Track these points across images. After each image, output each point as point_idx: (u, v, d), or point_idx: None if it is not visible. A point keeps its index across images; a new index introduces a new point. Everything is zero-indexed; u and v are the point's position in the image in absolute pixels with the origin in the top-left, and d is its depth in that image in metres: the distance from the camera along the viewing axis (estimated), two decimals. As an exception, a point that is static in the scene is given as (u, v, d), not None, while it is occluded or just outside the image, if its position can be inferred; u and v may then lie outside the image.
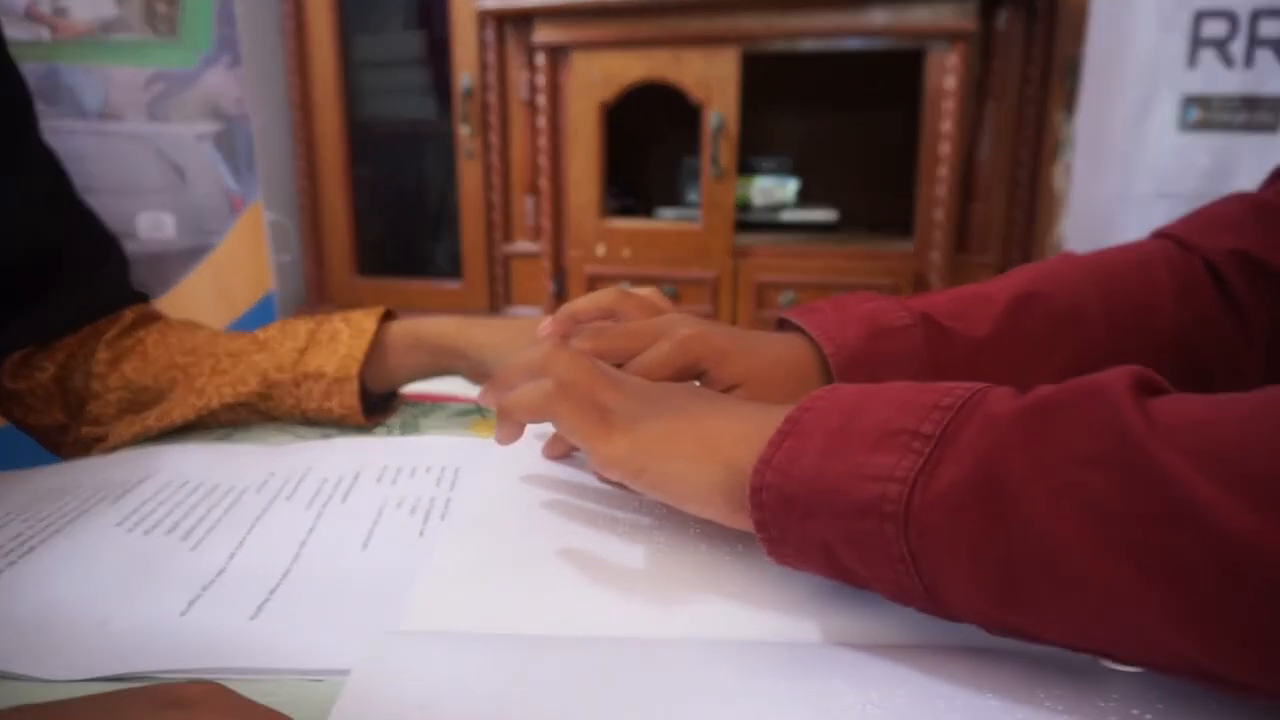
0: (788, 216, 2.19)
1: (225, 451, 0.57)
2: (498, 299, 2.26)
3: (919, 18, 1.82)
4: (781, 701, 0.27)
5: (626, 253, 2.07)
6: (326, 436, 0.60)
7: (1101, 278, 0.53)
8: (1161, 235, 0.56)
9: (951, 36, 1.82)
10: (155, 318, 0.65)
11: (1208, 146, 1.23)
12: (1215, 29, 1.21)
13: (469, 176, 2.19)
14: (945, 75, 1.85)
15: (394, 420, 0.63)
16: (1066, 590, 0.26)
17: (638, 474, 0.37)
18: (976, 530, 0.27)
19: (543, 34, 2.00)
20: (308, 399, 0.60)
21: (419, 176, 2.34)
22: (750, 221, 2.13)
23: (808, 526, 0.31)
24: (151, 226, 1.00)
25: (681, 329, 0.48)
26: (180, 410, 0.59)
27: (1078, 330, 0.51)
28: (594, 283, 2.09)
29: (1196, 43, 1.21)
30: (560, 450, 0.51)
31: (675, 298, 2.06)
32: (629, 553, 0.39)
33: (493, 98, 2.13)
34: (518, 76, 2.10)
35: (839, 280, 2.00)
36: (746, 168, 2.14)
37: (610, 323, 0.52)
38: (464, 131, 2.15)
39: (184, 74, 1.10)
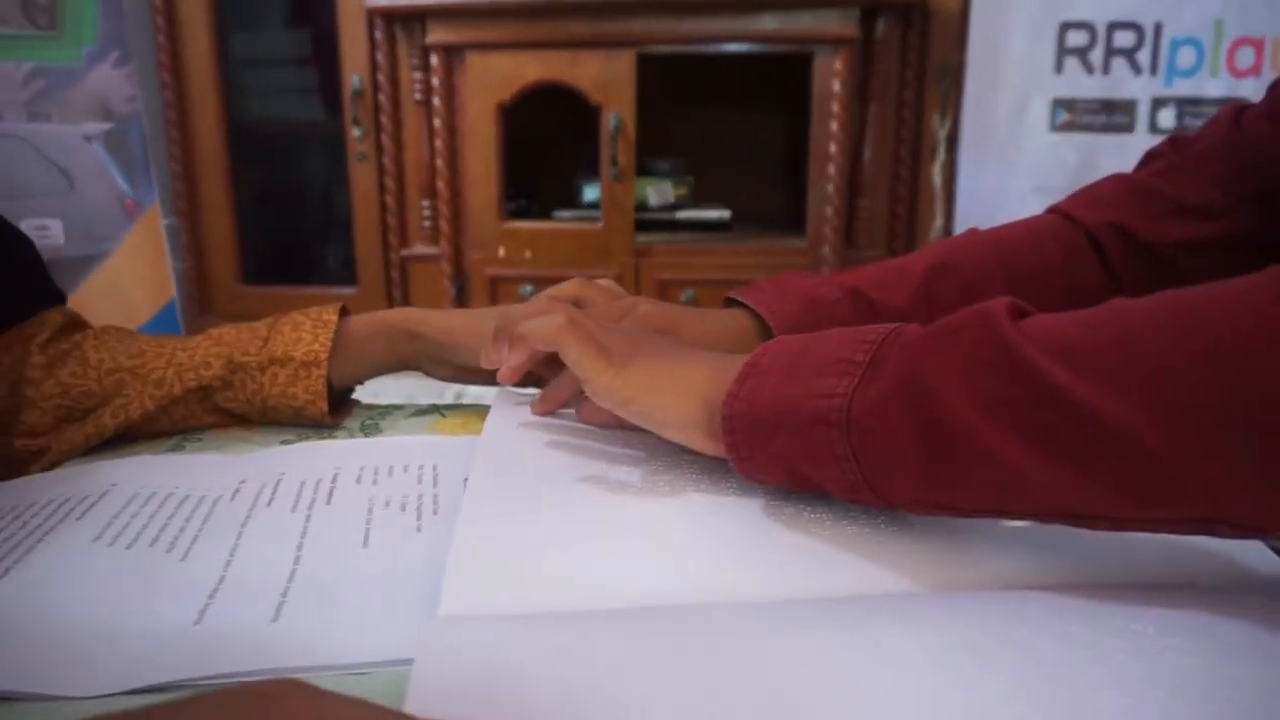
0: (683, 215, 2.25)
1: (184, 462, 0.55)
2: (395, 302, 2.21)
3: (805, 24, 1.91)
4: (831, 650, 0.29)
5: (528, 254, 2.07)
6: (286, 443, 0.58)
7: (1001, 250, 0.62)
8: (1052, 211, 0.66)
9: (836, 42, 1.91)
10: (84, 322, 0.62)
11: (1075, 145, 1.35)
12: (1077, 39, 1.33)
13: (361, 179, 2.14)
14: (831, 79, 1.94)
15: (353, 423, 0.63)
16: (974, 466, 0.33)
17: (626, 402, 0.43)
18: (902, 428, 0.34)
19: (436, 34, 1.98)
20: (272, 384, 0.58)
21: (308, 179, 2.27)
22: (647, 221, 2.17)
23: (770, 444, 0.38)
24: (36, 234, 0.94)
25: (643, 305, 0.57)
26: (139, 403, 0.57)
27: (982, 296, 0.59)
28: (495, 285, 2.08)
29: (1062, 51, 1.33)
30: (549, 406, 0.54)
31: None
32: (648, 517, 0.41)
33: (384, 98, 2.09)
34: (410, 77, 2.07)
35: (737, 276, 2.07)
36: (641, 169, 2.19)
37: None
38: (355, 133, 2.10)
39: (67, 70, 1.03)
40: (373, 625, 0.36)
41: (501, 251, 2.06)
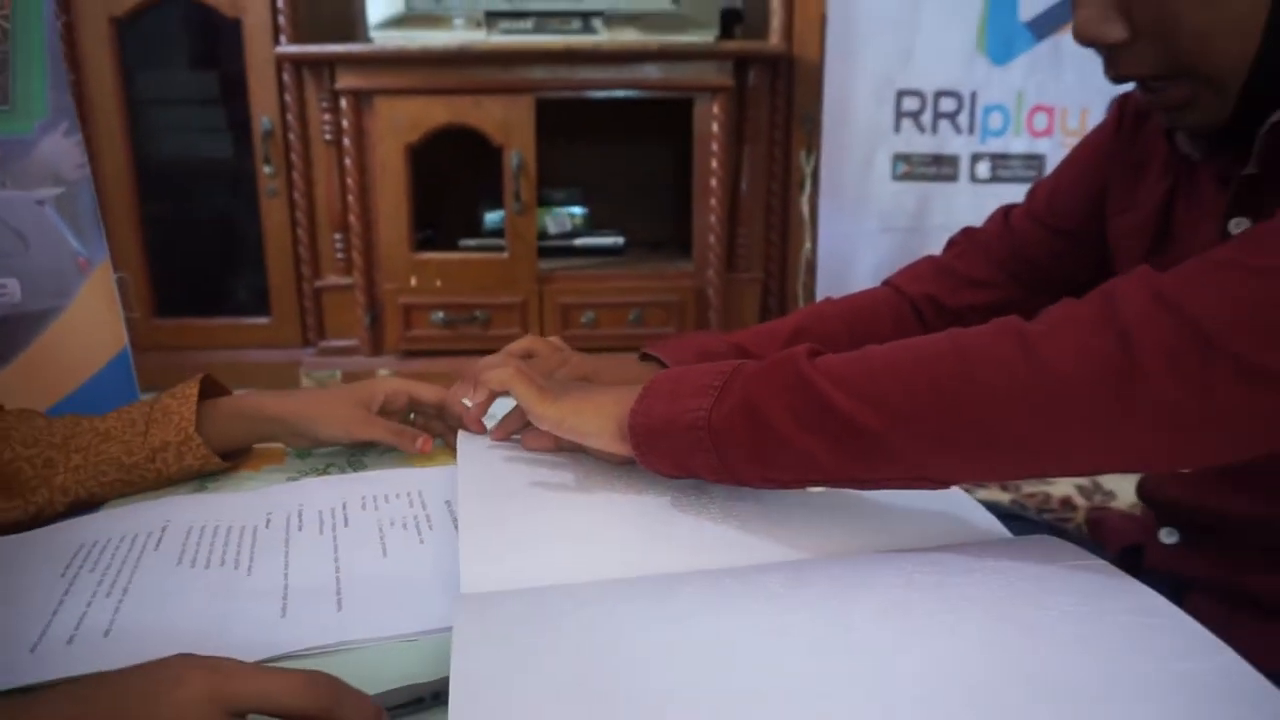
0: (580, 242, 2.44)
1: (215, 500, 0.67)
2: (310, 332, 2.31)
3: (686, 74, 2.13)
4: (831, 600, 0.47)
5: (439, 283, 2.20)
6: (292, 479, 0.73)
7: (847, 318, 0.82)
8: (886, 284, 0.86)
9: (714, 90, 2.14)
10: None
11: (912, 192, 1.61)
12: (911, 104, 1.59)
13: (273, 214, 2.23)
14: (710, 122, 2.16)
15: (340, 460, 0.76)
16: (787, 455, 0.49)
17: (558, 423, 0.59)
18: (742, 430, 0.50)
19: (345, 80, 2.09)
20: (165, 467, 0.68)
21: (218, 215, 2.33)
22: (546, 248, 2.34)
23: (661, 444, 0.54)
24: (-3, 293, 1.03)
25: (575, 358, 0.75)
26: (47, 503, 0.66)
27: (834, 349, 0.78)
28: (409, 312, 2.21)
29: (899, 114, 1.59)
30: (503, 434, 0.70)
31: (487, 322, 2.23)
32: (604, 508, 0.58)
33: (294, 138, 2.19)
34: (319, 118, 2.17)
35: (632, 299, 2.27)
36: (540, 199, 2.35)
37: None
38: (266, 170, 2.19)
39: (20, 141, 1.12)
40: (410, 608, 0.50)
41: (414, 281, 2.19)
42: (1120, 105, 0.73)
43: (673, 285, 2.28)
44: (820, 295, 1.76)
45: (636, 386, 0.57)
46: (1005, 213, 0.81)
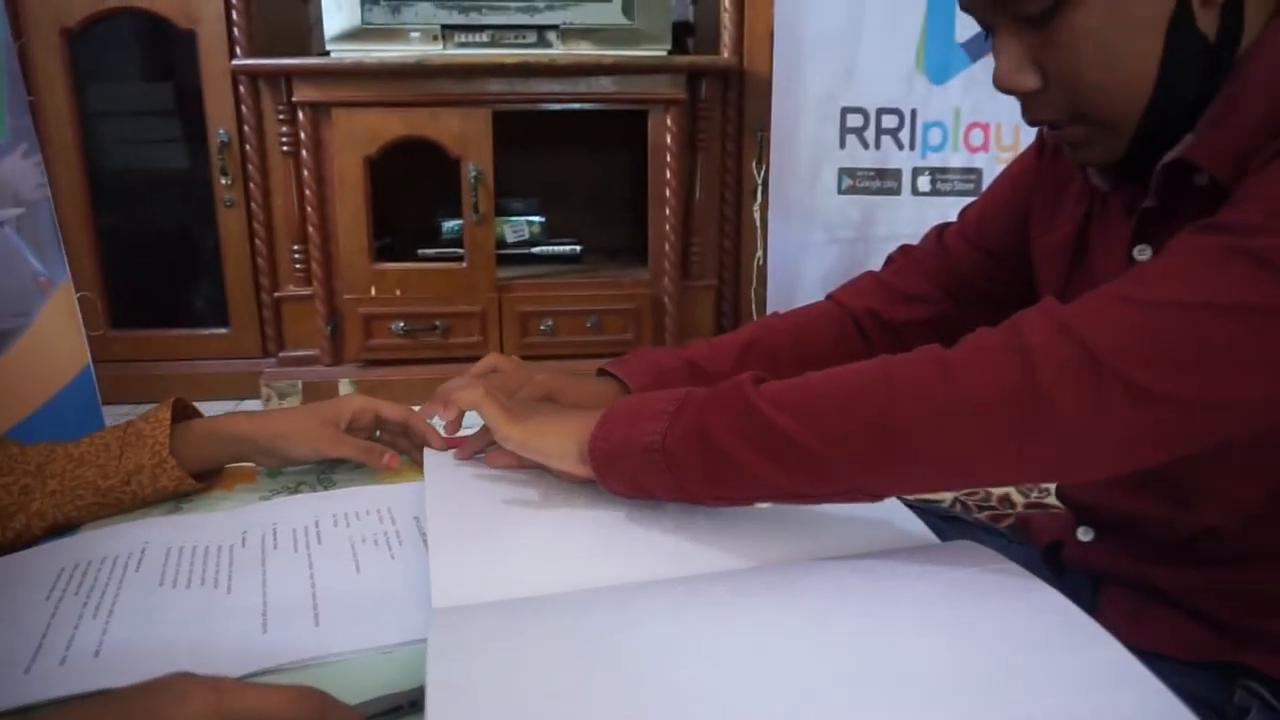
0: (538, 250, 2.47)
1: (190, 520, 0.69)
2: (269, 343, 2.31)
3: (640, 87, 2.18)
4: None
5: (398, 292, 2.22)
6: (264, 498, 0.75)
7: (794, 331, 0.85)
8: (829, 298, 0.89)
9: (667, 103, 2.19)
10: None
11: (857, 205, 1.68)
12: (855, 120, 1.66)
13: (230, 225, 2.22)
14: (664, 133, 2.21)
15: (310, 477, 0.79)
16: (736, 475, 0.54)
17: (523, 445, 0.63)
18: (694, 453, 0.55)
19: (302, 93, 2.10)
20: (140, 490, 0.70)
21: (174, 226, 2.32)
22: (504, 256, 2.36)
23: (620, 466, 0.58)
24: (-42, 313, 1.04)
25: (538, 376, 0.77)
26: (24, 528, 0.67)
27: (779, 365, 0.83)
28: (369, 322, 2.22)
29: (844, 130, 1.65)
30: (468, 453, 0.73)
31: (447, 331, 2.26)
32: (566, 523, 0.62)
33: (251, 149, 2.19)
34: (277, 129, 2.17)
35: (590, 307, 2.31)
36: (497, 209, 2.37)
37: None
38: (223, 182, 2.18)
39: (-21, 163, 1.14)
40: (385, 622, 0.54)
41: (373, 291, 2.21)
42: (1042, 134, 0.78)
43: (630, 293, 2.33)
44: (771, 303, 1.82)
45: (596, 411, 0.61)
46: (939, 232, 0.86)
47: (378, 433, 0.82)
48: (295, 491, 0.76)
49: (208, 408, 0.79)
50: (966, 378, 0.50)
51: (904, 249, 0.88)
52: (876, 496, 0.56)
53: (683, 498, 0.58)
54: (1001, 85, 0.60)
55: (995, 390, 0.49)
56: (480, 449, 0.73)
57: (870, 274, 0.88)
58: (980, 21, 0.61)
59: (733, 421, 0.54)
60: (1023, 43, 0.58)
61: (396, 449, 0.79)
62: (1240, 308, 0.47)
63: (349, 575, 0.61)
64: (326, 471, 0.80)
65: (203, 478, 0.75)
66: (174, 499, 0.74)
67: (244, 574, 0.61)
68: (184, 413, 0.77)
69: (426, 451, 0.77)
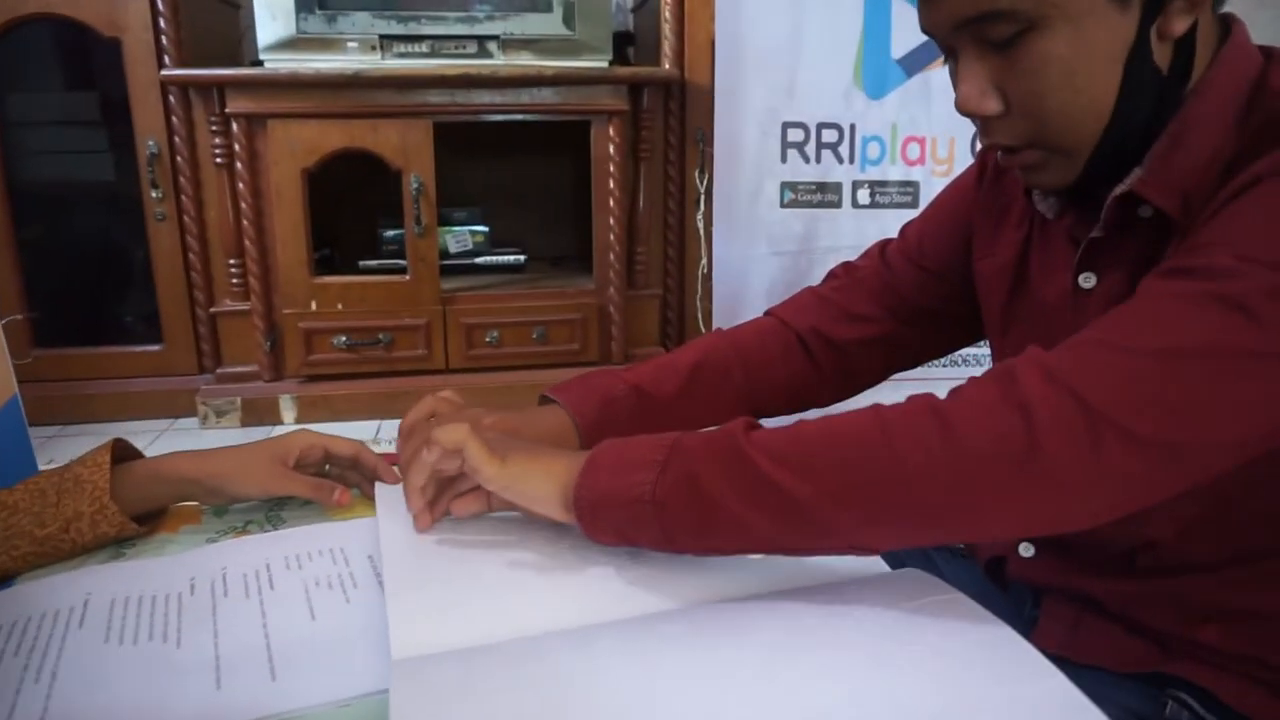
0: (481, 260, 2.45)
1: (135, 568, 0.67)
2: (205, 359, 2.24)
3: (581, 97, 2.17)
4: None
5: (340, 306, 2.18)
6: (211, 540, 0.72)
7: (740, 350, 0.84)
8: (770, 315, 0.89)
9: (609, 114, 2.19)
10: None
11: (799, 218, 1.71)
12: (796, 135, 1.68)
13: (163, 239, 2.16)
14: (607, 144, 2.22)
15: (259, 516, 0.77)
16: (727, 527, 0.53)
17: (506, 487, 0.60)
18: (686, 505, 0.54)
19: (236, 104, 2.04)
20: (80, 537, 0.68)
21: (103, 240, 2.23)
22: (448, 267, 2.34)
23: (606, 516, 0.57)
24: None
25: (486, 418, 0.73)
26: None
27: (727, 385, 0.84)
28: (310, 336, 2.18)
29: (785, 145, 1.68)
30: (475, 508, 0.67)
31: (391, 344, 2.23)
32: (523, 566, 0.61)
33: (183, 161, 2.12)
34: (209, 141, 2.11)
35: (535, 318, 2.30)
36: (440, 219, 2.34)
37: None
38: (153, 194, 2.12)
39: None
40: (342, 673, 0.53)
41: (314, 305, 2.16)
42: (982, 157, 0.79)
43: (575, 303, 2.32)
44: (717, 314, 1.83)
45: (581, 453, 0.60)
46: (881, 250, 0.86)
47: (327, 467, 0.81)
48: (244, 531, 0.74)
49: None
50: (967, 432, 0.50)
51: (847, 266, 0.88)
52: (871, 551, 0.56)
53: (670, 548, 0.57)
54: (964, 109, 0.61)
55: (996, 444, 0.50)
56: (440, 514, 0.68)
57: (811, 291, 0.88)
58: (942, 44, 0.62)
59: (725, 473, 0.54)
60: (986, 67, 0.59)
61: (347, 483, 0.78)
62: (1218, 352, 0.49)
63: (303, 622, 0.59)
64: (275, 508, 0.79)
65: (145, 519, 0.73)
66: (115, 544, 0.72)
67: (194, 625, 0.59)
68: (124, 453, 0.75)
69: (378, 486, 0.76)
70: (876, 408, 0.54)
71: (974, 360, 1.69)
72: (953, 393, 0.54)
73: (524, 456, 0.61)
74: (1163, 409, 0.49)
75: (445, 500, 0.67)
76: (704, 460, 0.55)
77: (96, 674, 0.54)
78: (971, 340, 0.85)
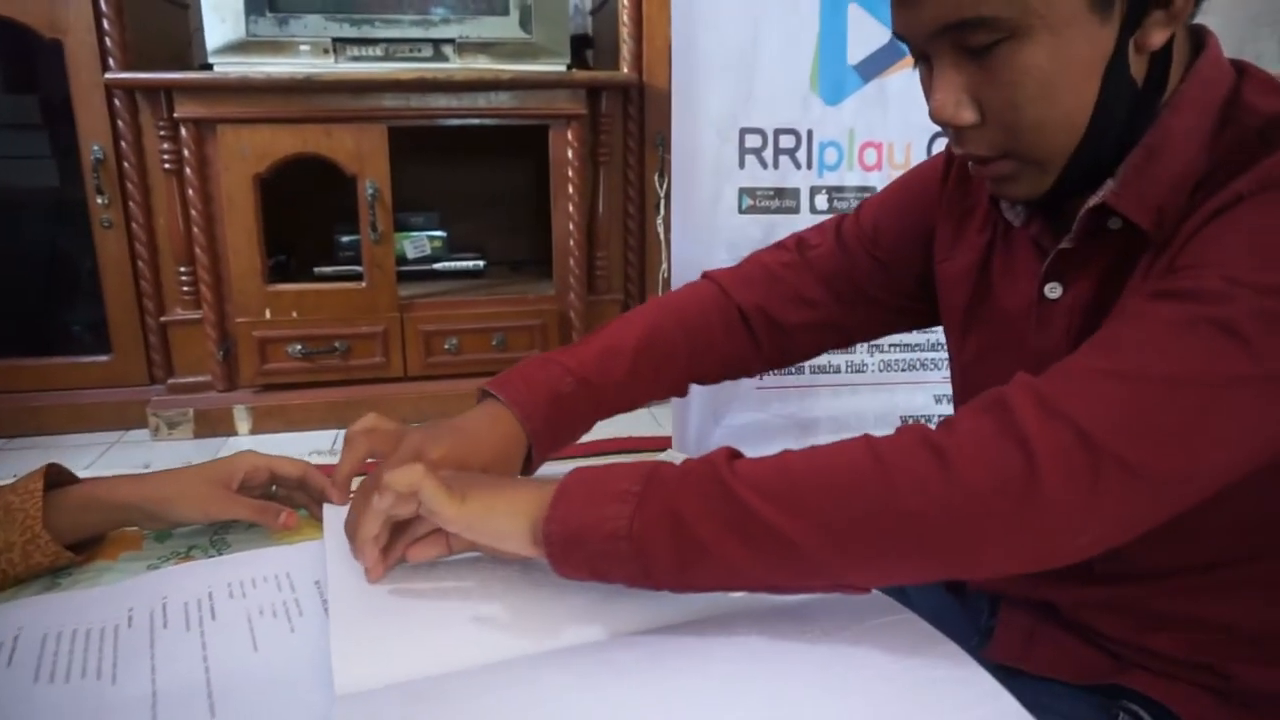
0: (439, 266, 2.43)
1: (71, 599, 0.65)
2: (156, 369, 2.19)
3: (539, 101, 2.16)
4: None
5: (295, 314, 2.14)
6: (152, 567, 0.71)
7: (684, 327, 0.82)
8: (708, 278, 0.87)
9: (568, 118, 2.17)
10: None
11: (758, 224, 1.71)
12: (754, 141, 1.68)
13: (110, 247, 2.10)
14: (565, 148, 2.20)
15: (204, 540, 0.75)
16: (712, 564, 0.51)
17: (469, 527, 0.57)
18: (664, 539, 0.52)
19: (185, 109, 2.00)
20: (11, 568, 0.66)
21: (46, 247, 2.17)
22: (406, 273, 2.31)
23: (578, 552, 0.54)
24: None
25: (432, 451, 0.67)
26: None
27: (674, 363, 0.82)
28: (264, 345, 2.14)
29: (743, 151, 1.68)
30: (434, 553, 0.62)
31: (348, 353, 2.19)
32: (471, 594, 0.60)
33: (130, 167, 2.06)
34: (157, 146, 2.06)
35: (495, 324, 2.28)
36: (397, 225, 2.31)
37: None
38: (99, 201, 2.06)
39: None
40: (285, 709, 0.51)
41: (268, 314, 2.12)
42: (947, 156, 0.78)
43: (535, 309, 2.31)
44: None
45: (549, 483, 0.57)
46: (836, 228, 0.85)
47: (274, 488, 0.79)
48: (187, 557, 0.72)
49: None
50: (966, 469, 0.49)
51: (799, 241, 0.86)
52: (862, 589, 0.54)
53: (646, 585, 0.54)
54: (939, 118, 0.60)
55: (997, 482, 0.49)
56: (395, 562, 0.63)
57: (759, 264, 0.86)
58: (916, 50, 0.61)
59: (710, 509, 0.52)
60: (962, 75, 0.57)
61: (294, 504, 0.76)
62: (1213, 379, 0.49)
63: (246, 654, 0.58)
64: (220, 532, 0.77)
65: (83, 546, 0.71)
66: (50, 574, 0.69)
67: (130, 660, 0.57)
68: (59, 478, 0.72)
69: (326, 508, 0.74)
70: (867, 440, 0.52)
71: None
72: (945, 424, 0.52)
73: (485, 492, 0.58)
74: (1160, 438, 0.49)
75: (400, 547, 0.62)
76: (686, 495, 0.52)
77: (25, 717, 0.52)
78: (909, 328, 0.88)
